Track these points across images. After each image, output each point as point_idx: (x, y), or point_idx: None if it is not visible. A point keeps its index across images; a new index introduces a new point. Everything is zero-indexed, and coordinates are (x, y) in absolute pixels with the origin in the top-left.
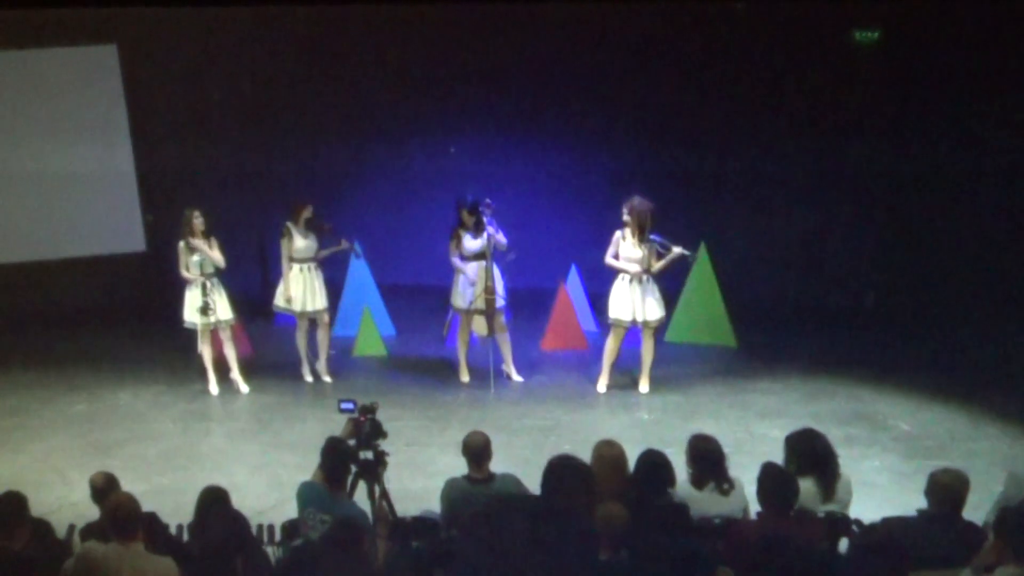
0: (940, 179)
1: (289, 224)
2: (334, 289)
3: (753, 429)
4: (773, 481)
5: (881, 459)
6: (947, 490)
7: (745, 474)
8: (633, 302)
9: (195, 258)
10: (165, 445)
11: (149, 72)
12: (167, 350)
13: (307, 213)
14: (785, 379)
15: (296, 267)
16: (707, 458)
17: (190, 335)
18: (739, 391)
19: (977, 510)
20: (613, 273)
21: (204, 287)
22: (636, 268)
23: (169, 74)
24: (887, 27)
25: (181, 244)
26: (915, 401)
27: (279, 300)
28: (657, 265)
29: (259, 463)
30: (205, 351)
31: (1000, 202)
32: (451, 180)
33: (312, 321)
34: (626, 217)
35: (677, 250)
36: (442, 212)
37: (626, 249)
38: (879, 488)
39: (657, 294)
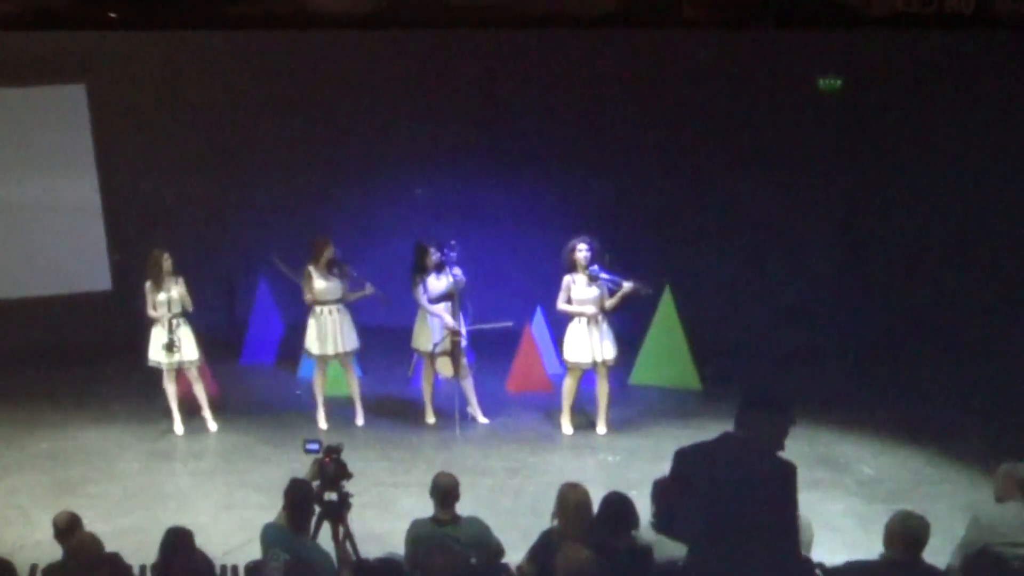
0: (902, 219)
1: (309, 267)
2: (298, 330)
3: None
4: None
5: (844, 502)
6: (908, 534)
7: None
8: (591, 343)
9: (161, 297)
10: (129, 485)
11: (117, 111)
12: (132, 389)
13: (328, 253)
14: None
15: (318, 309)
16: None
17: (156, 374)
18: (703, 433)
19: (939, 554)
20: (568, 318)
21: (170, 324)
22: (592, 309)
23: (137, 114)
24: (849, 75)
25: (148, 284)
26: (878, 444)
27: (310, 346)
28: (611, 302)
29: (224, 503)
30: (169, 390)
31: (963, 244)
32: (415, 221)
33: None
34: (586, 253)
35: (627, 285)
36: (406, 252)
37: (578, 292)
38: (842, 532)
39: (611, 334)
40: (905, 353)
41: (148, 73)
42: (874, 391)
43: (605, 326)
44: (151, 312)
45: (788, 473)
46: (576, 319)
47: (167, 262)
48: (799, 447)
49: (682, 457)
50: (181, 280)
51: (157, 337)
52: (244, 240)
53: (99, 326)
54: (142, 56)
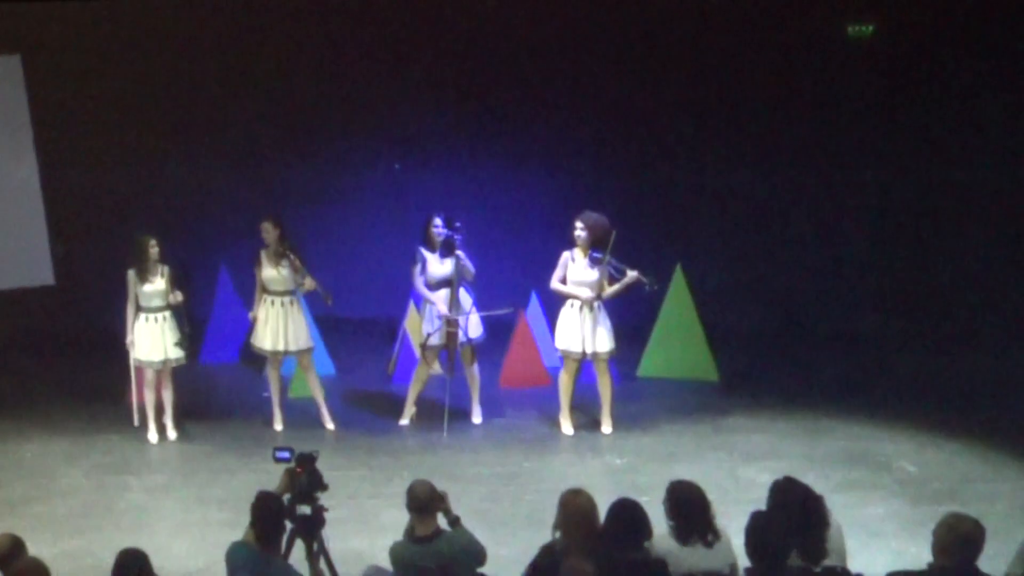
0: (940, 187)
1: (261, 250)
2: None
3: (739, 473)
4: (763, 532)
5: (885, 505)
6: (961, 539)
7: (731, 524)
8: (583, 331)
9: (147, 288)
10: (77, 502)
11: (57, 87)
12: (79, 395)
13: (268, 235)
14: (773, 416)
15: (269, 300)
16: (689, 507)
17: (108, 378)
18: (722, 431)
19: (996, 561)
20: (561, 299)
21: (176, 317)
22: (588, 293)
23: (79, 89)
24: (882, 20)
25: (131, 273)
26: (921, 438)
27: (253, 338)
28: (610, 290)
29: (183, 521)
30: (150, 393)
31: (1009, 211)
32: (397, 203)
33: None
34: (580, 233)
35: (632, 274)
36: (386, 238)
37: (576, 272)
38: (884, 538)
39: (608, 323)
40: (950, 334)
41: (90, 43)
42: (915, 378)
43: (602, 314)
44: (129, 307)
45: None
46: (569, 302)
47: (154, 249)
48: (833, 443)
49: None
50: (167, 269)
51: (144, 332)
52: (200, 225)
53: (41, 326)
54: (83, 23)
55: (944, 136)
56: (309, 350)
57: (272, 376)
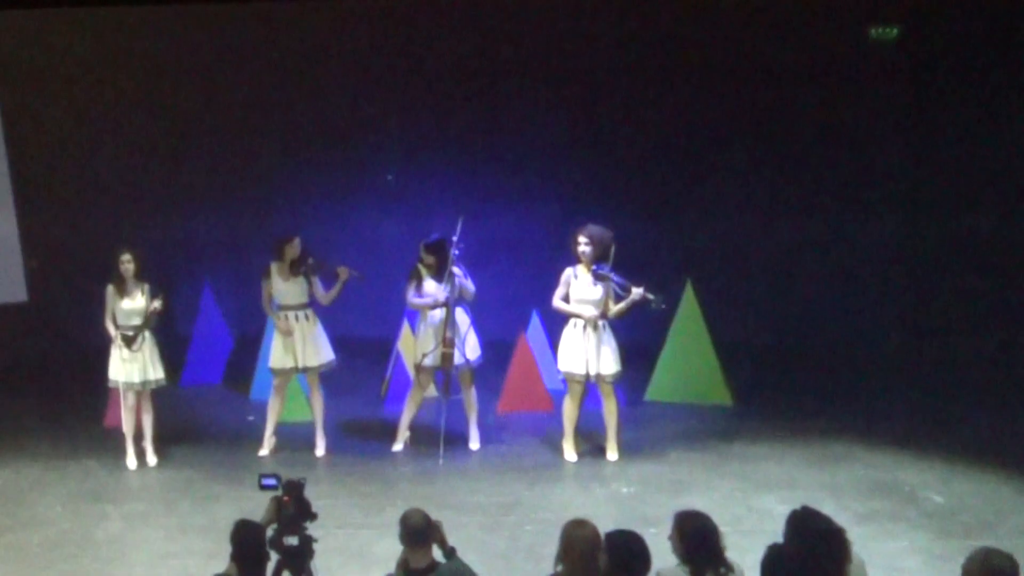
0: (968, 198)
1: (272, 264)
2: (249, 345)
3: (753, 503)
4: (779, 566)
5: (910, 538)
6: (992, 575)
7: (746, 558)
8: (586, 352)
9: (126, 304)
10: (52, 532)
11: (29, 98)
12: (53, 417)
13: (293, 251)
14: (790, 443)
15: (283, 314)
16: (698, 538)
17: (85, 399)
18: (735, 458)
19: None
20: (564, 318)
21: (134, 337)
22: (591, 312)
23: (52, 101)
24: (907, 22)
25: (109, 288)
26: (948, 466)
27: (271, 360)
28: (615, 308)
29: (164, 552)
30: (129, 416)
31: None
32: (392, 217)
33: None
34: (584, 248)
35: (637, 291)
36: (379, 255)
37: (579, 289)
38: (909, 573)
39: (614, 344)
40: (979, 356)
41: (66, 54)
42: (942, 403)
43: (607, 334)
44: (108, 323)
45: None
46: (572, 321)
47: (128, 264)
48: (854, 471)
49: None
50: (147, 287)
51: (124, 352)
52: (182, 242)
53: (13, 345)
54: (59, 33)
55: (970, 147)
56: (325, 365)
57: (274, 397)
